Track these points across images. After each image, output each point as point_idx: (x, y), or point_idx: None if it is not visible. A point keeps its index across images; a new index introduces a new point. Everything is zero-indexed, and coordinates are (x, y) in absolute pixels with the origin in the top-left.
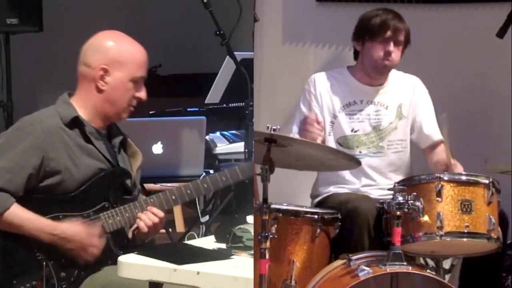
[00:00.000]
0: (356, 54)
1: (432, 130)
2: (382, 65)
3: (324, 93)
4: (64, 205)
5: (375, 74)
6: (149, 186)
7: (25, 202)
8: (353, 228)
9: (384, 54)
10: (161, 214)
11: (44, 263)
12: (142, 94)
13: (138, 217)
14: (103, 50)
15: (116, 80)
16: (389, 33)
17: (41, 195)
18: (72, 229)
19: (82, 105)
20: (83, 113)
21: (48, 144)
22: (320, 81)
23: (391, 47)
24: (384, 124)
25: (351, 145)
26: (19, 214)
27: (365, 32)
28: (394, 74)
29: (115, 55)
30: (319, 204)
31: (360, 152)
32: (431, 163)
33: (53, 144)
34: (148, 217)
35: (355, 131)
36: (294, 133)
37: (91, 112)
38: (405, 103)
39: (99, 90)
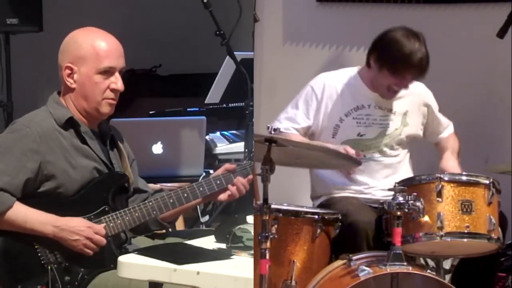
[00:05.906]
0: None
1: (443, 128)
2: (392, 93)
3: (331, 97)
4: (64, 209)
5: (383, 95)
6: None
7: None
8: (354, 240)
9: (398, 85)
10: (246, 182)
11: (49, 267)
12: (117, 85)
13: (229, 190)
14: (67, 49)
15: (82, 76)
16: (409, 75)
17: (40, 199)
18: (74, 220)
19: (69, 105)
20: (73, 113)
21: (44, 147)
22: (329, 85)
23: (407, 86)
24: (390, 129)
25: (357, 148)
26: (21, 210)
27: (386, 60)
28: None
29: (76, 51)
30: (320, 207)
31: (364, 156)
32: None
33: (49, 147)
34: (241, 183)
35: (361, 135)
36: (281, 121)
37: (77, 111)
38: (410, 112)
39: (70, 89)
